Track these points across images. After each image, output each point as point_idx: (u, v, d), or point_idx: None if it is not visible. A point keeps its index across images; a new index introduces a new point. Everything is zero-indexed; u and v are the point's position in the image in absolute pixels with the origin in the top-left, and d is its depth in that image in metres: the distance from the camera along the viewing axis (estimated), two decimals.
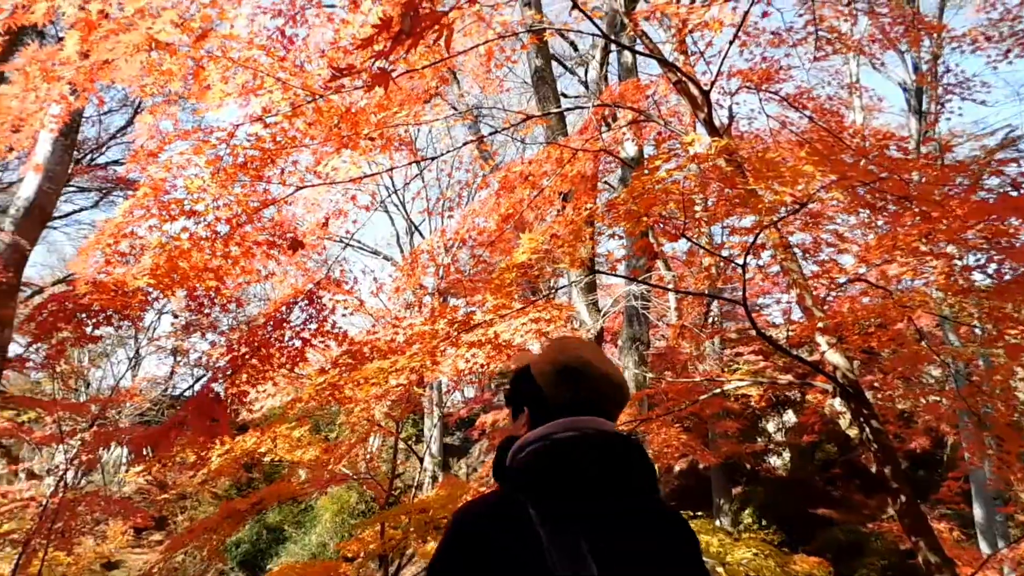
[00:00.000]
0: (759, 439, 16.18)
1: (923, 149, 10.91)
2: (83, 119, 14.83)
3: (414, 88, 6.11)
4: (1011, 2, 8.70)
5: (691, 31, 5.33)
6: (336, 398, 6.01)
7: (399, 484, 17.71)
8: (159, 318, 21.79)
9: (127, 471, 16.91)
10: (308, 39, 5.90)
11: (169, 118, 5.21)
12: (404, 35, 1.74)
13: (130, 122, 16.00)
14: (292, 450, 9.17)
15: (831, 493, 14.27)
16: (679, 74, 4.97)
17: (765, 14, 6.50)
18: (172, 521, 18.85)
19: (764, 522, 13.76)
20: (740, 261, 4.28)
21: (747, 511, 14.28)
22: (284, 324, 6.43)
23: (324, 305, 6.67)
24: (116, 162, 16.97)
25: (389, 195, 18.28)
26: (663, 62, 5.11)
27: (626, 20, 5.34)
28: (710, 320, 15.19)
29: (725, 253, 6.04)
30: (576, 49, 15.80)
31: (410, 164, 6.14)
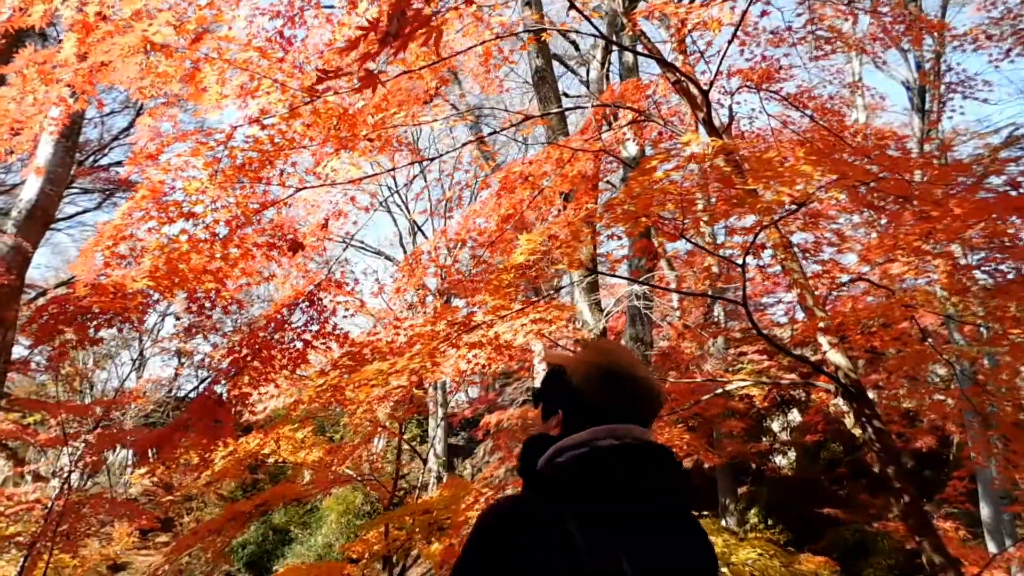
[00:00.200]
0: (764, 438, 16.11)
1: (926, 148, 10.86)
2: (85, 121, 14.87)
3: (413, 89, 6.10)
4: (1012, 1, 8.66)
5: (690, 31, 5.31)
6: (337, 400, 6.01)
7: (404, 485, 17.72)
8: (163, 320, 21.83)
9: (132, 473, 16.96)
10: (307, 40, 5.90)
11: (169, 120, 5.21)
12: (391, 37, 1.73)
13: (132, 124, 16.03)
14: (295, 452, 9.19)
15: (837, 492, 14.19)
16: (677, 74, 4.95)
17: (764, 13, 6.47)
18: (178, 523, 18.90)
19: (770, 522, 13.72)
20: (740, 261, 4.27)
21: (753, 511, 14.24)
22: (285, 326, 6.44)
23: (325, 307, 6.68)
24: (119, 164, 16.96)
25: (391, 194, 18.27)
26: (662, 62, 5.09)
27: (625, 20, 5.32)
28: (714, 320, 15.16)
29: (726, 253, 6.02)
30: (578, 49, 15.77)
31: (410, 164, 6.13)
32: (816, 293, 5.18)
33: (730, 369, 12.73)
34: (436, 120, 5.65)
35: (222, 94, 4.14)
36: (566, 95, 15.84)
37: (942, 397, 8.86)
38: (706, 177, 4.21)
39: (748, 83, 6.56)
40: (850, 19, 9.18)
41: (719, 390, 5.81)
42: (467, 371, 6.46)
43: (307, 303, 6.51)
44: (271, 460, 9.34)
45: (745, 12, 4.23)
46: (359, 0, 4.70)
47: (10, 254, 7.65)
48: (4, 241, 7.68)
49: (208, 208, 4.73)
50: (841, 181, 3.44)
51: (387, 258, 21.34)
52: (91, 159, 16.97)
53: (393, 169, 6.72)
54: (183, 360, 22.35)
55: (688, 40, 5.97)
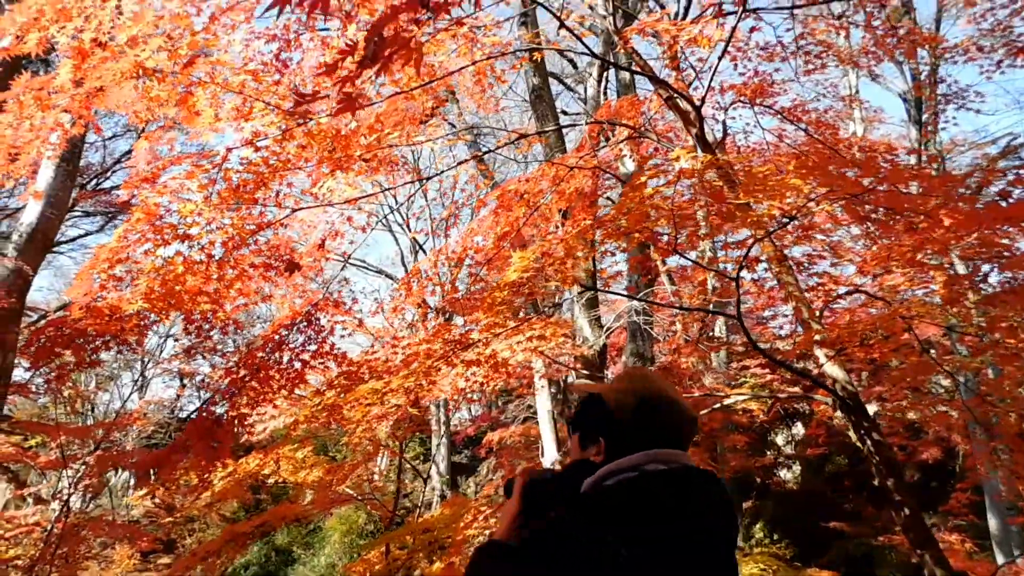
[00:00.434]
0: (768, 452, 16.03)
1: (924, 159, 10.88)
2: (87, 145, 14.96)
3: (409, 109, 6.13)
4: (1003, 13, 8.71)
5: (682, 48, 5.35)
6: (334, 419, 6.00)
7: (407, 503, 17.64)
8: (165, 341, 21.85)
9: (131, 495, 16.90)
10: (303, 63, 5.93)
11: (166, 144, 5.25)
12: (368, 60, 1.74)
13: (133, 147, 16.11)
14: (296, 472, 9.16)
15: (843, 506, 14.09)
16: (669, 90, 4.98)
17: (754, 29, 6.51)
18: (181, 544, 18.77)
19: (775, 536, 13.63)
20: (734, 275, 4.27)
21: (758, 525, 14.14)
22: (283, 346, 6.43)
23: (322, 327, 6.67)
24: (120, 187, 17.07)
25: (390, 212, 18.34)
26: (653, 78, 5.12)
27: (616, 38, 5.36)
28: (709, 334, 15.10)
29: (726, 267, 6.02)
30: (575, 67, 15.87)
31: (406, 184, 6.16)
32: (812, 306, 5.17)
33: (732, 383, 12.68)
34: (431, 140, 5.68)
35: (216, 116, 4.17)
36: (564, 113, 15.91)
37: (946, 408, 8.81)
38: (697, 192, 4.22)
39: (742, 98, 6.59)
40: (842, 33, 9.24)
41: (716, 404, 5.79)
42: (465, 389, 6.45)
43: (304, 323, 6.50)
44: (271, 480, 9.31)
45: (734, 29, 4.26)
46: (351, 23, 4.74)
47: (11, 277, 7.68)
48: (5, 264, 7.71)
49: (203, 230, 4.75)
50: (831, 194, 3.45)
51: (388, 277, 21.39)
52: (94, 182, 17.06)
53: (388, 188, 6.75)
54: (185, 381, 22.34)
55: (681, 57, 6.00)
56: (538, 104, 9.80)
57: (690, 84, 6.19)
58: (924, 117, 11.30)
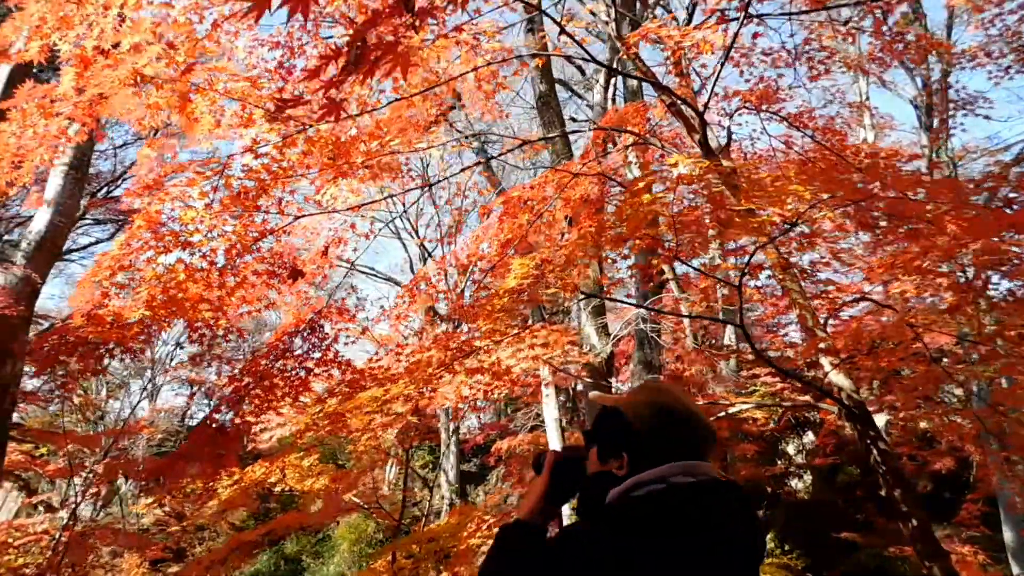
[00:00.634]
0: (779, 461, 15.87)
1: (927, 166, 10.79)
2: (97, 153, 15.06)
3: (412, 116, 6.14)
4: (1011, 19, 8.64)
5: (685, 53, 5.32)
6: (337, 428, 5.98)
7: (416, 512, 17.59)
8: (176, 349, 21.93)
9: (133, 503, 16.94)
10: (307, 69, 5.95)
11: (168, 150, 5.27)
12: (351, 66, 1.73)
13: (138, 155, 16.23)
14: (302, 480, 9.15)
15: (855, 516, 13.92)
16: (671, 96, 4.95)
17: (756, 35, 6.48)
18: (190, 553, 18.77)
19: (787, 547, 13.48)
20: (737, 282, 4.22)
21: (769, 535, 13.98)
22: (286, 354, 6.43)
23: (327, 334, 6.66)
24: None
25: (394, 219, 18.34)
26: (656, 84, 5.09)
27: (619, 44, 5.34)
28: (726, 342, 15.01)
29: (729, 274, 5.96)
30: (583, 73, 15.89)
31: (409, 190, 6.16)
32: (817, 314, 5.10)
33: (742, 392, 12.57)
34: (432, 146, 5.67)
35: (216, 123, 4.18)
36: (573, 120, 15.91)
37: (958, 418, 8.70)
38: (709, 199, 4.18)
39: (747, 104, 6.55)
40: (849, 39, 9.19)
41: (721, 413, 5.73)
42: (470, 397, 6.41)
43: (308, 330, 6.50)
44: (277, 489, 9.30)
45: (736, 34, 4.23)
46: (353, 28, 4.74)
47: (19, 285, 7.73)
48: (13, 272, 7.76)
49: (205, 237, 4.76)
50: (833, 200, 3.41)
51: (397, 284, 21.40)
52: (104, 190, 17.19)
53: (392, 195, 6.75)
54: (195, 388, 22.42)
55: (685, 63, 5.98)
56: (545, 111, 9.79)
57: (700, 93, 6.16)
58: (936, 124, 11.22)
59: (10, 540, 9.72)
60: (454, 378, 5.33)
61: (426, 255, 20.05)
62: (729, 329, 14.67)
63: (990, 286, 4.48)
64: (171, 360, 22.03)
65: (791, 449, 16.16)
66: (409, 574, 8.77)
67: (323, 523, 13.97)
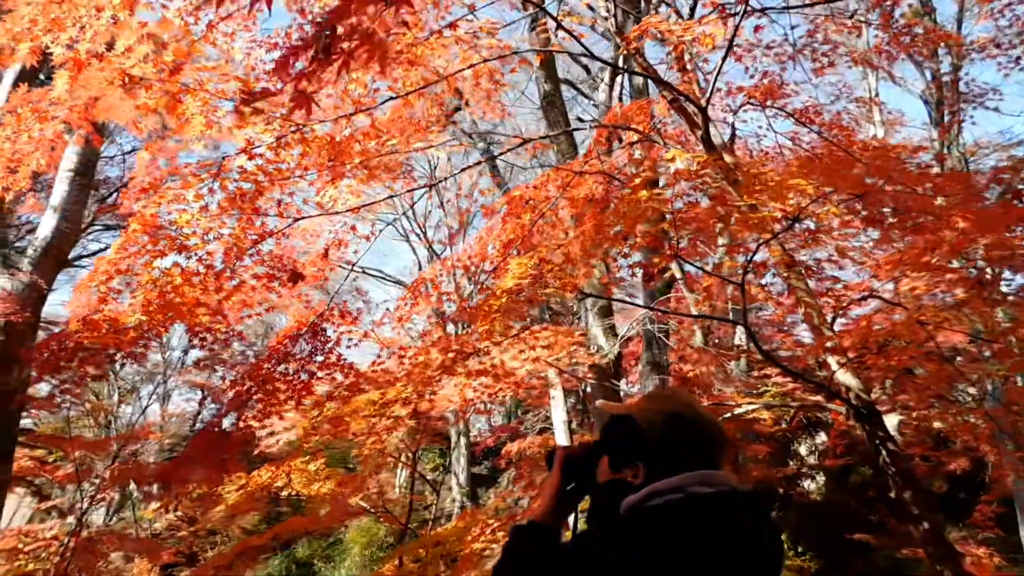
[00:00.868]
0: (791, 462, 15.72)
1: (947, 164, 10.64)
2: (105, 158, 15.09)
3: (413, 116, 6.08)
4: (1021, 9, 8.52)
5: (687, 48, 5.24)
6: (339, 431, 5.92)
7: (427, 516, 17.53)
8: (186, 354, 21.99)
9: (144, 508, 16.97)
10: (276, 60, 5.90)
11: (167, 153, 5.24)
12: (320, 55, 1.67)
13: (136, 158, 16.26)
14: (308, 484, 9.11)
15: (867, 517, 13.75)
16: (673, 92, 4.87)
17: (757, 28, 6.38)
18: (202, 557, 18.78)
19: (799, 548, 13.32)
20: (740, 280, 4.13)
21: (781, 537, 13.84)
22: (288, 357, 6.38)
23: (329, 337, 6.61)
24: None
25: (395, 221, 18.30)
26: (657, 80, 5.02)
27: (619, 40, 5.27)
28: (736, 342, 14.88)
29: (740, 271, 5.86)
30: (589, 72, 15.81)
31: (410, 191, 6.10)
32: (823, 312, 5.00)
33: (752, 392, 12.43)
34: (432, 146, 5.62)
35: (208, 124, 4.14)
36: (580, 119, 15.82)
37: (972, 417, 8.56)
38: (714, 195, 4.10)
39: (752, 100, 6.45)
40: (855, 32, 9.08)
41: (727, 414, 5.64)
42: (474, 399, 6.35)
43: (310, 334, 6.45)
44: (285, 493, 9.27)
45: (736, 27, 4.15)
46: None
47: (25, 291, 7.74)
48: (20, 279, 7.78)
49: (202, 240, 4.72)
50: (836, 194, 3.32)
51: (405, 287, 21.36)
52: (113, 196, 17.24)
53: (391, 196, 6.70)
54: (205, 393, 22.46)
55: (688, 58, 5.89)
56: (550, 111, 9.73)
57: (704, 89, 6.05)
58: (947, 119, 11.06)
59: (20, 545, 9.73)
60: (455, 380, 5.27)
61: (434, 257, 20.03)
62: (740, 329, 14.54)
63: (1003, 281, 4.37)
64: (181, 365, 22.11)
65: (803, 450, 16.01)
66: None
67: (330, 527, 13.92)
